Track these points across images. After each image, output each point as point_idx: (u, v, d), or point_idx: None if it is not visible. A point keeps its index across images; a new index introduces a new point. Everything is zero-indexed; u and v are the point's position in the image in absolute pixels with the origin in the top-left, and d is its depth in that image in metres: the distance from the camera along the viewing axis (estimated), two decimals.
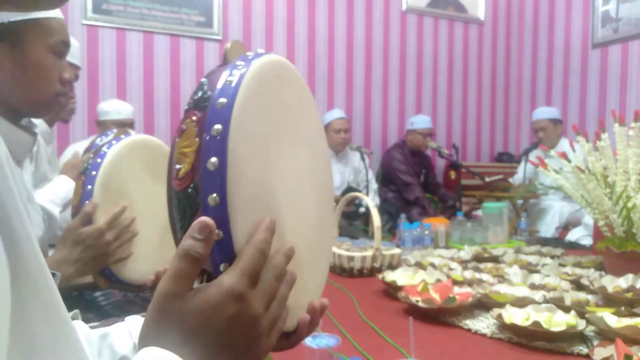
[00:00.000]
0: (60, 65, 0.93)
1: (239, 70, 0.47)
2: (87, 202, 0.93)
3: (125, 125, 2.81)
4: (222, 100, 0.45)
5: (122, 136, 1.01)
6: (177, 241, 0.45)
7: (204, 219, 0.41)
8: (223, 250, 0.43)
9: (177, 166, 0.44)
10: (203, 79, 0.48)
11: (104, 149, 0.97)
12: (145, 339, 0.40)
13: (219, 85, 0.46)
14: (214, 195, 0.43)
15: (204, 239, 0.40)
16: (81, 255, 0.91)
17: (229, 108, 0.44)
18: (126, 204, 0.96)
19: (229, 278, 0.41)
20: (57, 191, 1.33)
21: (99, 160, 0.95)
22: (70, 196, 1.39)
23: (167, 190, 0.45)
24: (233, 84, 0.46)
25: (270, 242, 0.44)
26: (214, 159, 0.43)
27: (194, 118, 0.45)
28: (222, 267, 0.43)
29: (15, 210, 0.33)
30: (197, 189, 0.43)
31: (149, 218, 1.01)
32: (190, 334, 0.39)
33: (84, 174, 0.96)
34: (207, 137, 0.43)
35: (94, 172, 0.94)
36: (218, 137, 0.43)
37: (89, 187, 0.94)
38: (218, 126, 0.43)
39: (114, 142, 0.99)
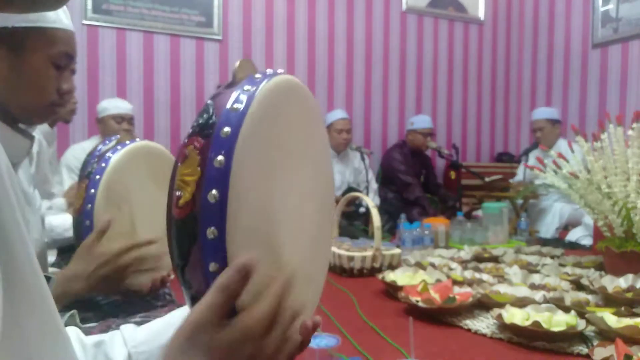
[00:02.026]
0: (59, 76, 0.91)
1: (245, 95, 0.46)
2: (89, 205, 0.92)
3: (124, 120, 2.81)
4: (227, 129, 0.44)
5: (127, 142, 1.01)
6: (175, 267, 0.45)
7: (247, 260, 0.42)
8: (213, 285, 0.43)
9: (178, 193, 0.44)
10: (209, 101, 0.47)
11: (109, 154, 0.98)
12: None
13: (225, 111, 0.45)
14: (213, 228, 0.42)
15: (241, 278, 0.42)
16: (94, 272, 0.90)
17: (233, 138, 0.43)
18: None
19: (250, 321, 0.42)
20: (54, 225, 1.41)
21: (103, 164, 0.96)
22: (65, 235, 1.44)
23: (167, 216, 0.45)
24: (239, 111, 0.45)
25: (284, 298, 0.45)
26: (214, 192, 0.42)
27: (197, 145, 0.44)
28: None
29: (12, 217, 0.33)
30: (196, 220, 0.43)
31: (149, 224, 1.01)
32: None
33: (87, 177, 0.96)
34: (209, 168, 0.43)
35: (97, 177, 0.94)
36: (220, 169, 0.42)
37: (92, 190, 0.94)
38: (221, 157, 0.43)
39: (118, 147, 0.99)
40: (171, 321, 0.59)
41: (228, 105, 0.45)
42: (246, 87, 0.47)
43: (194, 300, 0.45)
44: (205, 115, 0.46)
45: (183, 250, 0.44)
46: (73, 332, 0.58)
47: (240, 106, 0.45)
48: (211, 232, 0.42)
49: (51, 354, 0.35)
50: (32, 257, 0.34)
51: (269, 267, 0.46)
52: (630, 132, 1.67)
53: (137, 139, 1.04)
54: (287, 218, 0.50)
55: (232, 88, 0.48)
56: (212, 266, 0.43)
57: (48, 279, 0.60)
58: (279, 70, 0.52)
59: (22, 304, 0.32)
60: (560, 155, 1.83)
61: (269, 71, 0.51)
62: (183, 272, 0.45)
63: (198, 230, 0.43)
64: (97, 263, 0.90)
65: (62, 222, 1.55)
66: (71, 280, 0.89)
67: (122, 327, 0.60)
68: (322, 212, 0.60)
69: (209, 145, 0.43)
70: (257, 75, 0.49)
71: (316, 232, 0.58)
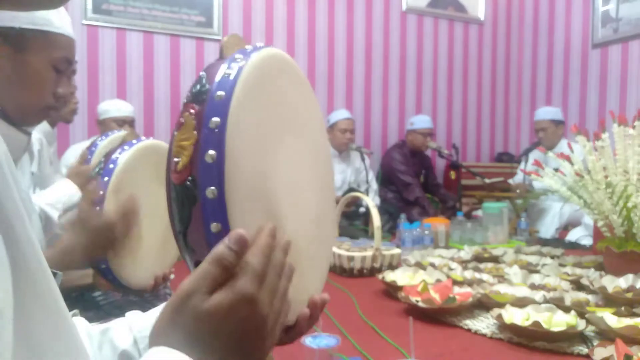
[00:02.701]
0: (58, 80, 0.93)
1: (237, 63, 0.47)
2: (97, 208, 0.93)
3: (125, 123, 2.81)
4: (220, 93, 0.45)
5: (134, 141, 1.01)
6: (175, 233, 0.45)
7: (242, 232, 0.41)
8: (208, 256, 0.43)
9: (176, 159, 0.44)
10: (202, 72, 0.48)
11: (115, 154, 0.98)
12: (157, 337, 0.41)
13: (217, 78, 0.46)
14: (212, 188, 0.43)
15: (237, 250, 0.41)
16: (90, 239, 0.92)
17: (227, 101, 0.44)
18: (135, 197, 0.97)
19: (242, 282, 0.41)
20: (58, 195, 1.34)
21: (111, 165, 0.96)
22: (72, 201, 1.41)
23: (166, 183, 0.45)
24: (231, 77, 0.46)
25: (274, 247, 0.44)
26: (211, 152, 0.43)
27: (192, 111, 0.45)
28: None
29: (15, 210, 0.33)
30: (195, 182, 0.43)
31: (151, 224, 1.02)
32: (202, 335, 0.40)
33: (95, 179, 0.96)
34: (205, 130, 0.43)
35: (106, 178, 0.95)
36: (216, 130, 0.43)
37: (101, 192, 0.94)
38: (216, 119, 0.43)
39: (125, 147, 0.99)
40: None
41: (221, 73, 0.46)
42: (237, 56, 0.48)
43: (197, 265, 0.45)
44: (198, 85, 0.47)
45: (184, 214, 0.44)
46: (79, 322, 0.59)
47: (233, 72, 0.46)
48: (211, 191, 0.43)
49: (57, 341, 0.35)
50: (36, 245, 0.34)
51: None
52: (631, 131, 1.66)
53: (143, 138, 1.05)
54: (286, 188, 0.51)
55: (223, 60, 0.49)
56: (214, 226, 0.43)
57: (54, 274, 0.60)
58: (270, 45, 0.53)
59: (27, 289, 0.32)
60: (563, 156, 1.82)
61: (259, 44, 0.52)
62: (185, 236, 0.45)
63: (198, 191, 0.43)
64: (91, 235, 0.91)
65: (65, 190, 1.51)
66: (63, 254, 0.90)
67: (128, 313, 0.60)
68: (322, 192, 0.59)
69: (204, 109, 0.44)
70: (248, 47, 0.50)
71: (317, 211, 0.58)
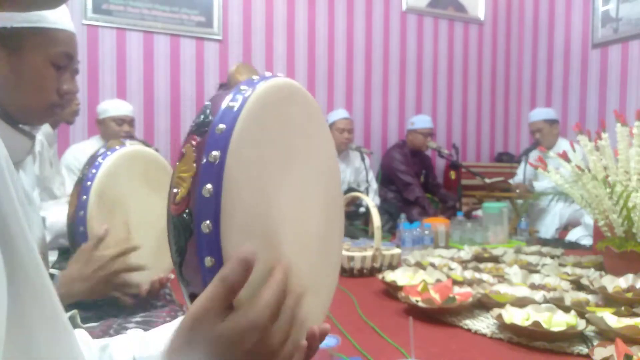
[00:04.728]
0: (59, 77, 0.91)
1: (242, 95, 0.46)
2: (81, 212, 0.94)
3: (125, 122, 2.81)
4: (222, 126, 0.44)
5: (117, 147, 1.02)
6: (174, 263, 0.45)
7: (248, 252, 0.41)
8: (214, 277, 0.43)
9: (175, 190, 0.44)
10: (207, 102, 0.48)
11: (99, 159, 0.98)
12: (172, 353, 0.42)
13: (220, 110, 0.46)
14: (208, 222, 0.42)
15: (243, 269, 0.41)
16: (93, 275, 0.93)
17: (227, 134, 0.44)
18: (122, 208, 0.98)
19: (255, 310, 0.42)
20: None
21: (93, 170, 0.96)
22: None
23: (167, 214, 0.45)
24: (234, 109, 0.45)
25: (286, 283, 0.45)
26: (209, 186, 0.42)
27: (194, 143, 0.45)
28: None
29: (14, 214, 0.33)
30: (192, 215, 0.43)
31: (144, 228, 1.02)
32: (216, 356, 0.41)
33: (79, 184, 0.97)
34: (204, 163, 0.43)
35: (88, 183, 0.95)
36: (215, 164, 0.43)
37: (84, 197, 0.95)
38: (215, 152, 0.43)
39: (108, 152, 1.00)
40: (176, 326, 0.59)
41: (224, 105, 0.46)
42: (243, 88, 0.48)
43: (192, 298, 0.45)
44: (202, 116, 0.46)
45: (180, 246, 0.44)
46: (79, 335, 0.58)
47: (236, 104, 0.46)
48: (206, 226, 0.42)
49: (55, 348, 0.35)
50: (34, 252, 0.34)
51: (271, 263, 0.46)
52: (634, 131, 1.66)
53: (127, 144, 1.05)
54: (287, 219, 0.50)
55: (229, 90, 0.48)
56: (208, 261, 0.43)
57: (51, 276, 0.60)
58: (279, 74, 0.52)
59: (26, 297, 0.32)
60: (564, 154, 1.82)
61: (267, 74, 0.51)
62: (181, 268, 0.45)
63: (193, 224, 0.43)
64: (95, 266, 0.93)
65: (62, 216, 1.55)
66: (73, 281, 0.91)
67: (129, 331, 0.60)
68: (329, 219, 0.59)
69: (205, 141, 0.44)
70: (255, 77, 0.50)
71: (322, 237, 0.57)
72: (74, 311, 0.80)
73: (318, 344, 0.52)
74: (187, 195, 0.43)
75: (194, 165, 0.44)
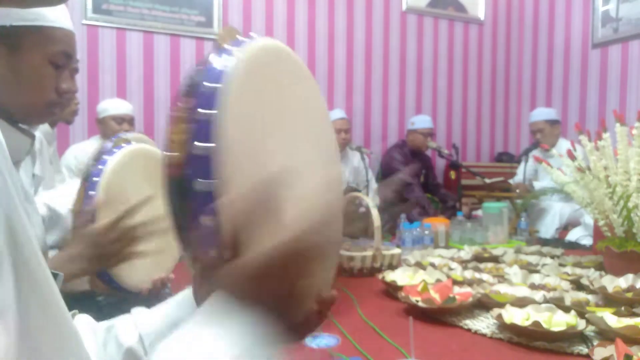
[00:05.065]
0: (58, 76, 0.91)
1: (228, 55, 0.46)
2: (88, 208, 0.94)
3: (124, 121, 2.81)
4: (211, 84, 0.44)
5: (123, 144, 1.02)
6: (173, 226, 0.45)
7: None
8: (212, 237, 0.42)
9: (168, 153, 0.44)
10: (195, 66, 0.47)
11: (105, 156, 0.98)
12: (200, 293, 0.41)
13: (209, 69, 0.45)
14: (202, 179, 0.42)
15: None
16: (90, 251, 0.92)
17: (217, 92, 0.43)
18: (126, 206, 0.97)
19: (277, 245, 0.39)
20: (67, 193, 1.37)
21: (100, 167, 0.96)
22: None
23: (162, 177, 0.45)
24: (222, 68, 0.45)
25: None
26: (202, 144, 0.42)
27: (184, 104, 0.44)
28: (212, 253, 0.42)
29: (15, 212, 0.33)
30: (186, 174, 0.43)
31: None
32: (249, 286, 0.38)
33: (86, 180, 0.96)
34: (195, 122, 0.43)
35: (95, 179, 0.95)
36: (207, 122, 0.42)
37: (91, 192, 0.94)
38: (206, 111, 0.43)
39: (115, 150, 1.00)
40: (180, 300, 0.58)
41: (212, 65, 0.46)
42: (229, 47, 0.47)
43: (194, 260, 0.44)
44: (189, 79, 0.46)
45: (177, 208, 0.44)
46: (84, 319, 0.58)
47: (224, 63, 0.45)
48: (201, 183, 0.42)
49: (59, 347, 0.35)
50: (37, 250, 0.34)
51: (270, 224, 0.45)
52: (634, 132, 1.66)
53: (133, 142, 1.05)
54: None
55: (216, 51, 0.48)
56: (206, 220, 0.42)
57: (55, 276, 0.60)
58: (266, 36, 0.52)
59: (31, 297, 0.32)
60: (568, 153, 1.81)
61: (253, 34, 0.50)
62: (180, 230, 0.45)
63: (189, 183, 0.42)
64: (91, 241, 0.91)
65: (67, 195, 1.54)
66: (69, 262, 0.90)
67: (133, 310, 0.60)
68: (326, 167, 0.58)
69: (194, 101, 0.44)
70: (241, 38, 0.49)
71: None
72: (74, 311, 0.81)
73: (328, 309, 0.49)
74: (180, 156, 0.43)
75: (185, 126, 0.43)
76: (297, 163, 0.51)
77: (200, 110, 0.43)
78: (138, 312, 0.59)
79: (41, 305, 0.34)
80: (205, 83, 0.44)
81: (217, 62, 0.46)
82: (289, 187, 0.42)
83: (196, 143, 0.42)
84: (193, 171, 0.42)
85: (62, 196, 1.38)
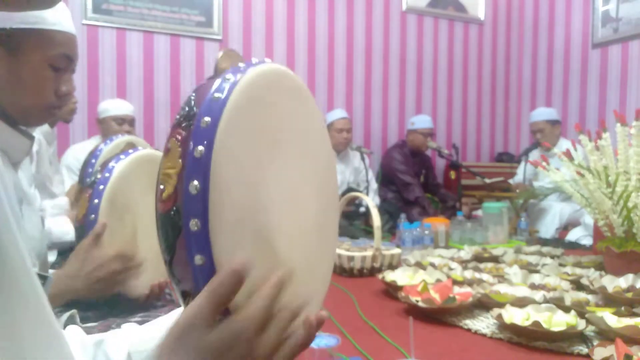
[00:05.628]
0: (58, 78, 0.91)
1: (227, 84, 0.45)
2: (92, 216, 0.94)
3: (125, 122, 2.81)
4: (207, 119, 0.43)
5: (130, 150, 1.02)
6: (165, 261, 0.44)
7: (240, 264, 0.41)
8: (205, 275, 0.42)
9: (161, 187, 0.43)
10: (192, 94, 0.46)
11: (112, 163, 0.98)
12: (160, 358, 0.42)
13: (205, 101, 0.44)
14: (196, 220, 0.41)
15: (235, 281, 0.41)
16: (91, 273, 0.92)
17: (212, 128, 0.42)
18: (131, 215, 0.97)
19: (240, 322, 0.42)
20: (53, 228, 1.43)
21: (107, 174, 0.96)
22: (64, 239, 1.47)
23: (155, 210, 0.44)
24: (220, 100, 0.43)
25: (277, 299, 0.44)
26: (195, 183, 0.41)
27: (179, 137, 0.43)
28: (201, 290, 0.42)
29: (3, 218, 0.32)
30: (180, 213, 0.42)
31: (148, 234, 1.02)
32: None
33: (91, 187, 0.96)
34: (190, 160, 0.42)
35: (101, 187, 0.95)
36: (201, 160, 0.41)
37: (96, 201, 0.94)
38: (201, 148, 0.42)
39: (122, 156, 0.99)
40: (172, 320, 0.59)
41: (209, 95, 0.44)
42: (228, 76, 0.46)
43: (184, 295, 0.44)
44: (186, 108, 0.45)
45: (169, 244, 0.43)
46: (74, 332, 0.58)
47: (221, 95, 0.44)
48: (194, 223, 0.41)
49: (46, 357, 0.35)
50: (26, 260, 0.34)
51: (265, 262, 0.45)
52: (632, 131, 1.66)
53: (140, 148, 1.05)
54: (279, 210, 0.49)
55: (214, 78, 0.47)
56: (198, 259, 0.42)
57: (46, 278, 0.60)
58: (266, 59, 0.50)
59: (17, 307, 0.32)
60: (567, 153, 1.81)
61: (254, 60, 0.49)
62: (171, 266, 0.44)
63: (181, 222, 0.42)
64: (93, 265, 0.92)
65: (60, 227, 1.57)
66: (70, 279, 0.91)
67: (124, 326, 0.60)
68: (322, 204, 0.58)
69: (189, 136, 0.43)
70: (241, 64, 0.48)
71: (317, 224, 0.56)
72: (73, 311, 0.80)
73: (314, 332, 0.50)
74: (174, 192, 0.42)
75: (180, 161, 0.42)
76: (289, 196, 0.51)
77: (195, 146, 0.42)
78: (129, 329, 0.59)
79: (29, 315, 0.33)
80: (201, 116, 0.43)
81: (214, 92, 0.45)
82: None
83: (189, 182, 0.41)
84: (186, 210, 0.42)
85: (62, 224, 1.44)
